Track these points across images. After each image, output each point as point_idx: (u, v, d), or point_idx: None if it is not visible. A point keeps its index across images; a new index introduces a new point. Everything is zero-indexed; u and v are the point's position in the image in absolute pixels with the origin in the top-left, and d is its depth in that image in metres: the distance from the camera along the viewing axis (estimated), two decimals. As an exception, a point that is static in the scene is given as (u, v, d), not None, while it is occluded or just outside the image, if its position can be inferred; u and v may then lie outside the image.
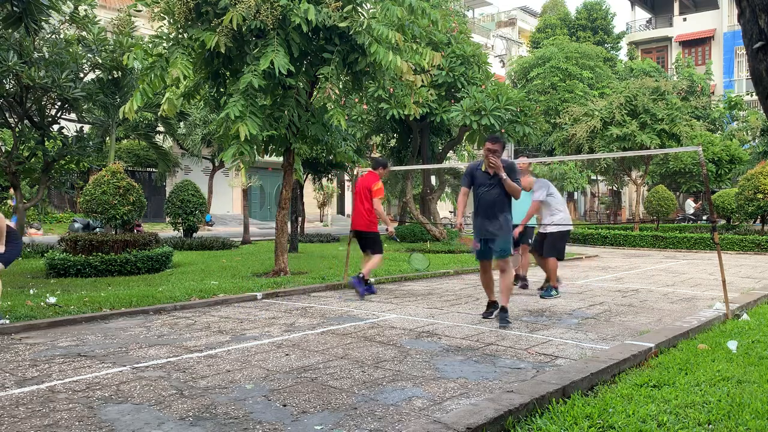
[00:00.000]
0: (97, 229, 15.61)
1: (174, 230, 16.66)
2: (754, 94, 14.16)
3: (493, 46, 46.24)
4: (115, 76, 13.81)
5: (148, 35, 10.75)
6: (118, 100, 13.91)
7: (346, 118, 10.67)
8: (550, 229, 7.79)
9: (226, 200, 32.13)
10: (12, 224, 6.55)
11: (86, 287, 8.23)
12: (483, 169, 6.01)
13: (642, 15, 47.63)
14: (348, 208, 39.04)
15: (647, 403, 3.47)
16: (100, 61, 13.28)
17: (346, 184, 38.07)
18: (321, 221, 36.02)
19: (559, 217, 7.78)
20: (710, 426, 3.18)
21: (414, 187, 20.57)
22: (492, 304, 6.39)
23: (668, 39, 43.63)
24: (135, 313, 6.60)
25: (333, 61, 8.51)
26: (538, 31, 43.82)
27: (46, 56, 12.34)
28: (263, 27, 8.08)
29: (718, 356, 4.56)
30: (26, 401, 3.67)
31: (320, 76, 8.57)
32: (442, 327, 5.93)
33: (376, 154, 24.71)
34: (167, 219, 16.02)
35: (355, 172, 18.35)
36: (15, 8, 8.69)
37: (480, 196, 6.02)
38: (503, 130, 15.89)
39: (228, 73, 9.31)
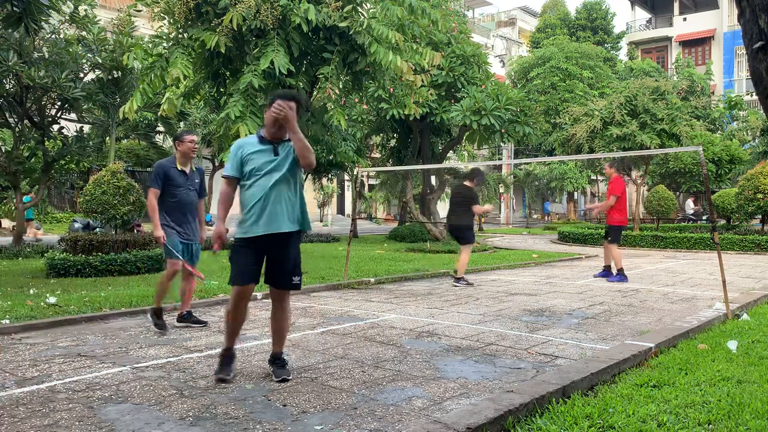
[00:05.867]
0: (97, 229, 15.61)
1: (174, 230, 16.62)
2: (754, 94, 14.16)
3: (493, 46, 46.25)
4: (115, 76, 13.82)
5: (148, 35, 10.76)
6: (118, 100, 13.92)
7: (346, 118, 10.67)
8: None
9: (226, 200, 32.03)
10: None
11: (86, 287, 8.22)
12: None
13: (642, 15, 47.62)
14: (348, 207, 39.04)
15: (647, 403, 3.47)
16: (100, 61, 13.29)
17: (346, 184, 38.06)
18: (321, 221, 36.01)
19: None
20: (710, 426, 3.18)
21: (414, 187, 20.57)
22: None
23: (668, 39, 43.62)
24: (135, 313, 6.60)
25: (333, 61, 8.51)
26: (538, 31, 43.83)
27: (46, 56, 12.34)
28: (263, 27, 8.08)
29: (718, 356, 4.56)
30: (26, 401, 3.66)
31: (320, 76, 8.57)
32: (442, 327, 5.92)
33: (376, 154, 24.74)
34: (167, 219, 15.97)
35: (355, 172, 18.36)
36: (15, 8, 8.69)
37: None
38: (503, 130, 15.90)
39: (228, 73, 9.32)
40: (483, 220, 30.70)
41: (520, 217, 43.26)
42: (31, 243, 14.63)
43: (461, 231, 9.21)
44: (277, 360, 4.22)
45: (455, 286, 8.91)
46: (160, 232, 5.60)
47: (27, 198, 17.32)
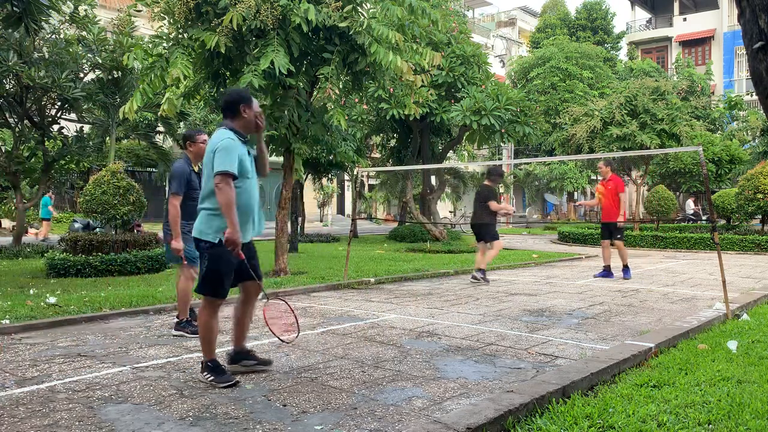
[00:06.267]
0: (97, 229, 15.61)
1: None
2: (754, 94, 14.15)
3: (493, 46, 46.28)
4: (115, 76, 13.82)
5: (148, 35, 10.76)
6: (118, 100, 13.92)
7: (346, 118, 10.67)
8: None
9: (226, 200, 32.06)
10: None
11: (86, 287, 8.23)
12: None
13: (642, 15, 47.64)
14: (348, 207, 39.05)
15: (647, 403, 3.47)
16: (100, 61, 13.30)
17: (346, 184, 38.06)
18: (321, 221, 36.03)
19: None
20: (710, 426, 3.18)
21: (414, 187, 20.57)
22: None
23: (668, 39, 43.65)
24: (135, 313, 6.60)
25: (333, 61, 8.50)
26: (538, 31, 43.85)
27: (46, 56, 12.35)
28: (263, 27, 8.07)
29: (718, 356, 4.56)
30: (26, 401, 3.66)
31: (320, 76, 8.56)
32: (442, 327, 5.92)
33: (376, 154, 24.76)
34: (167, 219, 15.97)
35: (355, 172, 18.34)
36: (15, 8, 8.69)
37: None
38: (503, 130, 15.90)
39: (228, 73, 9.31)
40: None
41: (520, 216, 43.25)
42: (46, 241, 14.71)
43: (480, 229, 9.56)
44: (249, 353, 4.36)
45: (485, 281, 9.36)
46: (180, 244, 5.37)
47: (46, 198, 17.37)
